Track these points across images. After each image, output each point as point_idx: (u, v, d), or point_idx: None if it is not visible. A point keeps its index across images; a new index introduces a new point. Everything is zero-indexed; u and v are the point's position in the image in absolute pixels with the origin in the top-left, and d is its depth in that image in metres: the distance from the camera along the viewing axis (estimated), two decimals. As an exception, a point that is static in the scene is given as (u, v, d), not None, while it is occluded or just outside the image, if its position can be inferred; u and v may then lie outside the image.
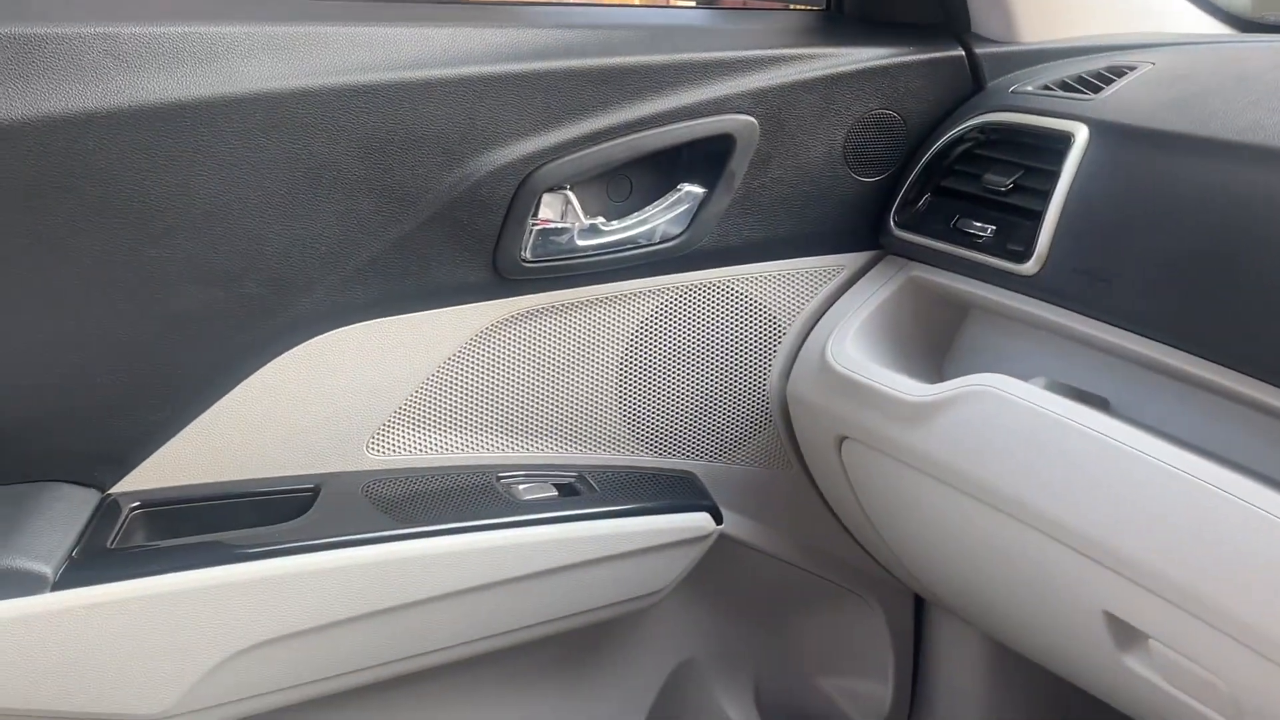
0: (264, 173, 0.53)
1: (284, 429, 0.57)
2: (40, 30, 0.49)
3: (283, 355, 0.56)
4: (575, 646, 0.67)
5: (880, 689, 0.73)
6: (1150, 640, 0.49)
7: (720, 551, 0.65)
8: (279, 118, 0.52)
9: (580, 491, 0.60)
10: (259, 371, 0.55)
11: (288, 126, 0.52)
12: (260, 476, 0.58)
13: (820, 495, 0.67)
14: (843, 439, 0.61)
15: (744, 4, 0.64)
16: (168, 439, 0.56)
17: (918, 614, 0.76)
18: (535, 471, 0.62)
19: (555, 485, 0.60)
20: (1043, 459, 0.51)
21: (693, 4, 0.67)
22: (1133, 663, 0.51)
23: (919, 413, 0.55)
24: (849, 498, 0.64)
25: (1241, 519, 0.42)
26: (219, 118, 0.51)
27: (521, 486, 0.59)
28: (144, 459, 0.56)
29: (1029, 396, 0.52)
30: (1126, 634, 0.50)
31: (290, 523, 0.55)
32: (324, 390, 0.57)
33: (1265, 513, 0.40)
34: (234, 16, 0.55)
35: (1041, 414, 0.50)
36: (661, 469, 0.65)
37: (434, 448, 0.61)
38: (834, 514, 0.68)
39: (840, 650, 0.77)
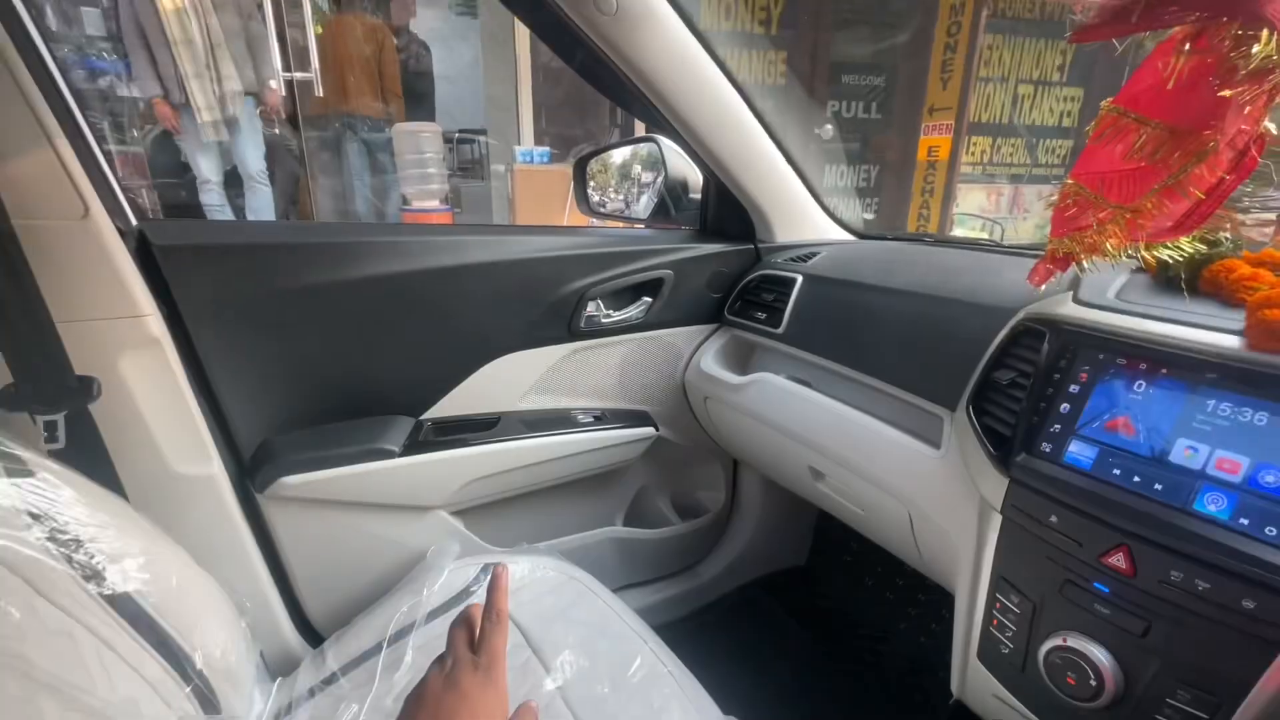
0: (479, 295, 0.93)
1: (485, 394, 0.98)
2: (392, 239, 0.89)
3: (485, 365, 0.97)
4: (598, 479, 1.11)
5: (719, 496, 1.27)
6: (826, 477, 0.88)
7: (657, 443, 1.14)
8: (486, 273, 0.92)
9: (603, 418, 1.05)
10: (476, 372, 0.97)
11: (489, 277, 0.93)
12: (477, 412, 0.99)
13: (697, 421, 1.17)
14: (706, 398, 1.09)
15: (666, 226, 1.05)
16: (441, 398, 0.96)
17: (735, 466, 1.27)
18: (586, 411, 1.06)
19: (594, 416, 1.05)
20: (784, 406, 0.92)
21: (644, 226, 1.08)
22: (820, 486, 0.91)
23: (737, 389, 0.99)
24: (709, 422, 1.14)
25: (860, 428, 0.80)
26: (462, 273, 0.91)
27: (580, 417, 1.04)
28: (434, 404, 0.96)
29: (780, 382, 0.94)
30: (817, 474, 0.90)
31: (488, 430, 0.95)
32: (500, 378, 0.98)
33: (868, 426, 0.79)
34: (468, 232, 0.96)
35: (785, 388, 0.93)
36: (634, 410, 1.13)
37: (545, 402, 1.04)
38: (702, 428, 1.18)
39: (701, 481, 1.30)
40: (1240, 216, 0.56)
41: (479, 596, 0.84)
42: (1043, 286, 0.59)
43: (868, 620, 1.27)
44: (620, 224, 1.24)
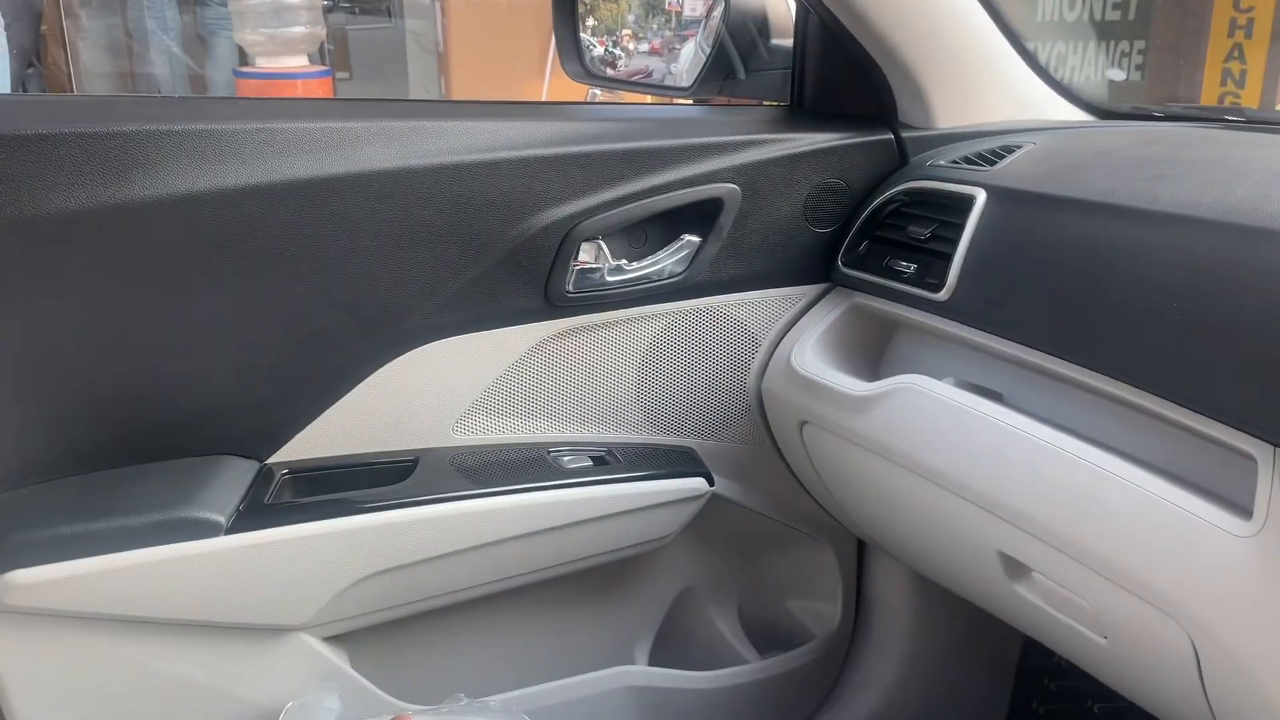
0: (378, 229, 0.66)
1: (391, 417, 0.70)
2: (216, 127, 0.63)
3: (390, 362, 0.69)
4: (605, 576, 0.80)
5: (831, 609, 0.87)
6: (1033, 573, 0.61)
7: (713, 507, 0.79)
8: (389, 189, 0.65)
9: (608, 462, 0.73)
10: (373, 374, 0.69)
11: (396, 195, 0.66)
12: (375, 451, 0.71)
13: (787, 465, 0.81)
14: (803, 423, 0.75)
15: (728, 101, 0.76)
16: (308, 423, 0.69)
17: (860, 553, 0.89)
18: (575, 447, 0.75)
19: (590, 457, 0.73)
20: (951, 437, 0.63)
21: (689, 102, 0.80)
22: (1021, 589, 0.63)
23: (860, 404, 0.68)
24: (808, 467, 0.78)
25: (1095, 479, 0.53)
26: (346, 189, 0.64)
27: (565, 459, 0.72)
28: (290, 438, 0.70)
29: (941, 392, 0.65)
30: (1015, 567, 0.62)
31: (397, 484, 0.68)
32: (420, 388, 0.70)
33: (1112, 474, 0.52)
34: (357, 114, 0.68)
35: (950, 404, 0.63)
36: (669, 445, 0.79)
37: (502, 430, 0.74)
38: (797, 479, 0.81)
39: (801, 580, 0.91)
40: None
41: None
42: None
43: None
44: (642, 97, 0.88)
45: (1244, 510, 0.47)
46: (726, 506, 0.81)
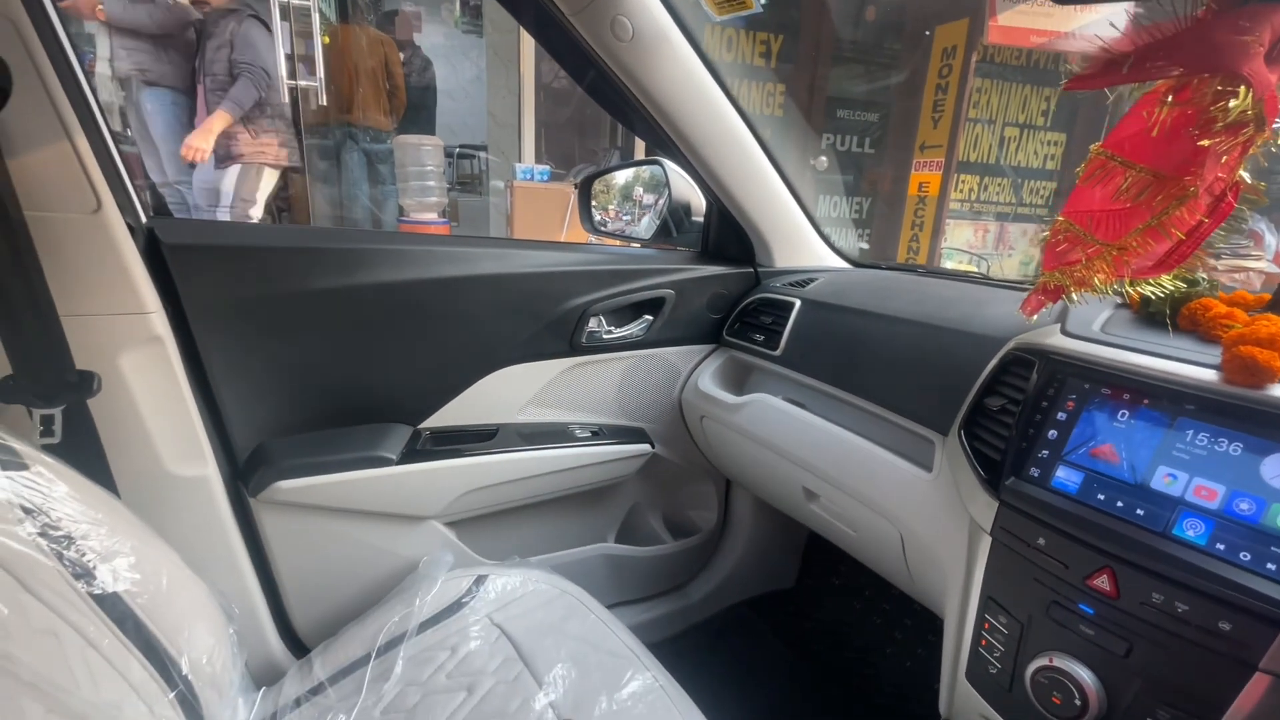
0: (482, 306, 0.93)
1: (484, 405, 0.98)
2: (398, 247, 0.87)
3: (485, 376, 0.98)
4: (592, 496, 1.14)
5: (711, 516, 1.28)
6: (820, 497, 0.90)
7: (652, 460, 1.15)
8: (488, 285, 0.92)
9: (600, 434, 1.07)
10: (477, 382, 0.97)
11: (491, 288, 0.93)
12: (475, 423, 0.99)
13: (693, 439, 1.18)
14: (703, 417, 1.10)
15: (669, 248, 1.08)
16: (441, 407, 0.96)
17: (727, 486, 1.28)
18: (583, 426, 1.07)
19: (591, 431, 1.07)
20: (779, 425, 0.93)
21: (644, 245, 1.11)
22: (813, 506, 0.92)
23: (732, 408, 1.00)
24: (704, 440, 1.15)
25: (852, 449, 0.81)
26: (466, 284, 0.90)
27: (578, 432, 1.05)
28: (432, 413, 0.96)
29: (775, 403, 0.95)
30: (810, 495, 0.91)
31: (488, 441, 0.96)
32: (500, 390, 0.99)
33: (860, 447, 0.80)
34: (472, 244, 0.95)
35: (779, 409, 0.93)
36: (631, 426, 1.13)
37: (544, 415, 1.04)
38: (698, 447, 1.19)
39: (697, 500, 1.31)
40: (1213, 261, 0.59)
41: (472, 609, 0.84)
42: (1034, 317, 0.62)
43: (855, 643, 1.27)
44: (621, 243, 1.25)
45: (927, 467, 0.71)
46: (660, 460, 1.18)
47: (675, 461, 1.21)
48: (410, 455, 0.90)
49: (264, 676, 0.81)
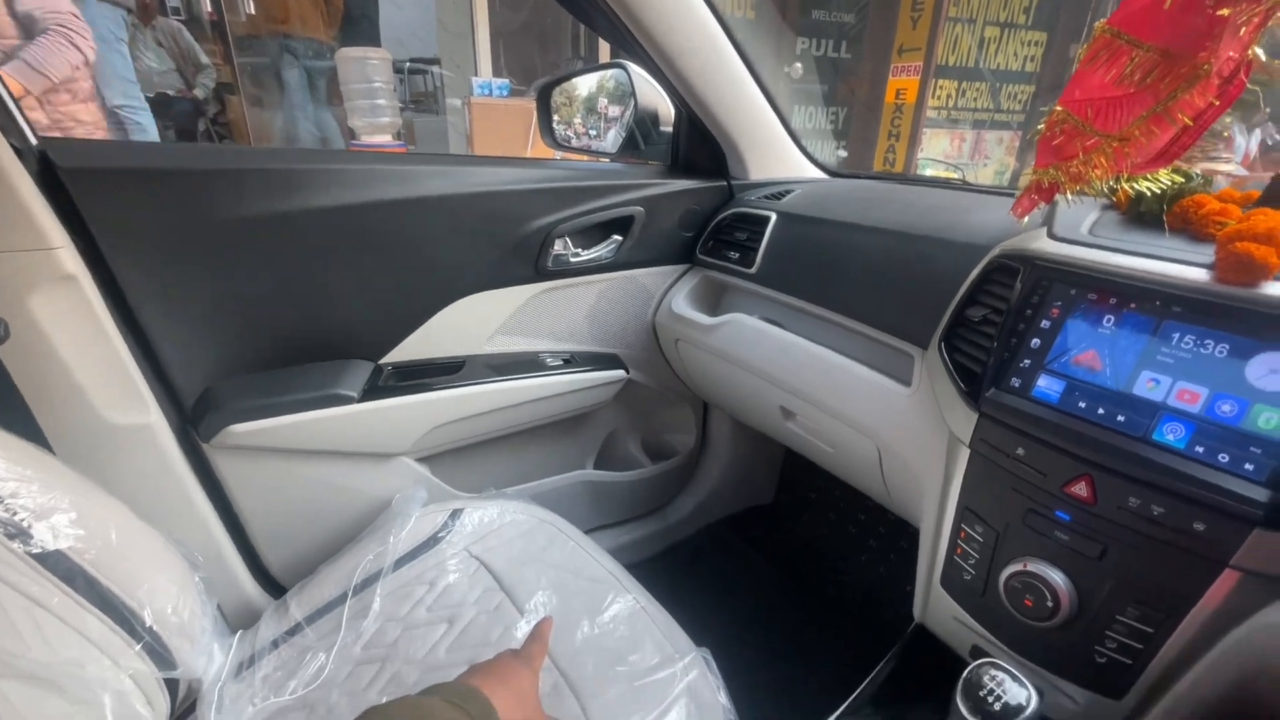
0: (438, 229, 0.86)
1: (449, 338, 0.93)
2: (341, 167, 0.79)
3: (447, 306, 0.92)
4: (570, 424, 1.13)
5: (690, 439, 1.29)
6: (797, 416, 0.88)
7: (628, 387, 1.13)
8: (444, 207, 0.85)
9: (572, 361, 1.03)
10: (439, 312, 0.91)
11: (447, 211, 0.86)
12: (441, 356, 0.94)
13: (669, 364, 1.16)
14: (678, 340, 1.07)
15: (636, 161, 1.01)
16: (402, 340, 0.91)
17: (705, 409, 1.28)
18: (555, 354, 1.03)
19: (562, 359, 1.03)
20: (755, 345, 0.90)
21: (610, 159, 1.03)
22: (791, 425, 0.91)
23: (707, 330, 0.97)
24: (680, 364, 1.13)
25: (830, 365, 0.79)
26: (417, 206, 0.83)
27: (549, 360, 1.01)
28: (393, 348, 0.91)
29: (751, 322, 0.92)
30: (787, 414, 0.90)
31: (455, 374, 0.91)
32: (466, 321, 0.93)
33: (838, 364, 0.78)
34: (422, 162, 0.85)
35: (755, 328, 0.91)
36: (605, 353, 1.10)
37: (515, 345, 1.00)
38: (674, 371, 1.17)
39: (675, 424, 1.31)
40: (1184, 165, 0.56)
41: (449, 543, 0.83)
42: (1024, 219, 0.58)
43: (830, 553, 1.32)
44: (587, 158, 1.17)
45: (906, 382, 0.70)
46: (635, 386, 1.17)
47: (652, 387, 1.19)
48: (373, 392, 0.86)
49: (242, 621, 0.80)
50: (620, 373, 1.10)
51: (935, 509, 0.67)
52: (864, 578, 1.25)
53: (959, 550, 0.63)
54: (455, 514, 0.87)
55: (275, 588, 0.92)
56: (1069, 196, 0.53)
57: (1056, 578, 0.54)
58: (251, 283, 0.80)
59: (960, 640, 0.67)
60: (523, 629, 0.70)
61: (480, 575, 0.78)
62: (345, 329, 0.88)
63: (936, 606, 0.68)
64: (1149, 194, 0.57)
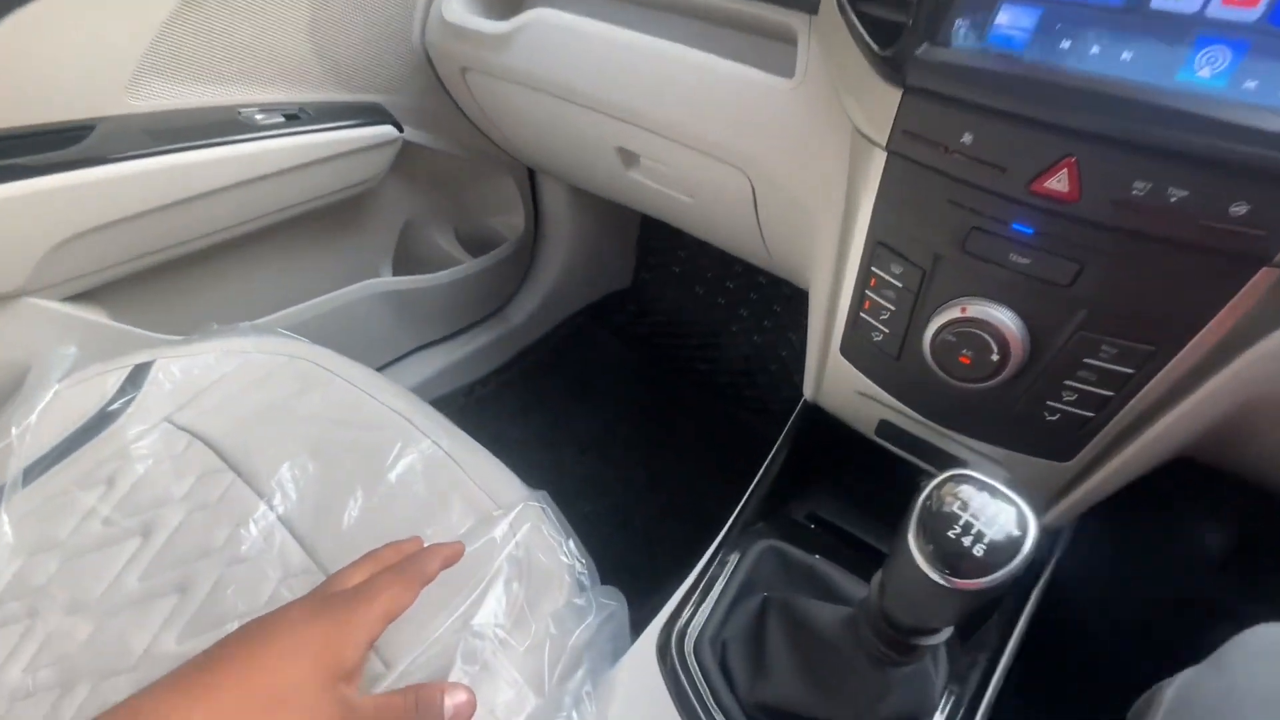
0: None
1: (43, 81, 0.57)
2: None
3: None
4: (336, 217, 0.82)
5: (519, 220, 1.05)
6: (641, 158, 0.68)
7: (413, 154, 0.83)
8: None
9: (300, 118, 0.71)
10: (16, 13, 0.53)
11: None
12: (37, 123, 0.58)
13: (462, 111, 0.85)
14: (464, 69, 0.77)
15: None
16: None
17: (532, 178, 1.02)
18: (265, 107, 0.70)
19: (284, 115, 0.70)
20: (578, 57, 0.65)
21: None
22: (634, 174, 0.71)
23: (501, 42, 0.69)
24: (476, 109, 0.82)
25: (681, 68, 0.57)
26: None
27: (258, 117, 0.69)
28: None
29: (566, 20, 0.66)
30: (628, 157, 0.69)
31: (77, 146, 0.58)
32: (73, 50, 0.57)
33: (694, 62, 0.56)
34: None
35: (574, 29, 0.64)
36: (359, 101, 0.78)
37: (186, 96, 0.66)
38: (472, 122, 0.86)
39: (495, 202, 1.05)
40: None
41: (134, 416, 0.55)
42: None
43: (699, 329, 1.19)
44: None
45: (788, 73, 0.52)
46: (424, 152, 0.86)
47: (445, 149, 0.87)
48: None
49: None
50: (387, 129, 0.78)
51: (832, 255, 0.49)
52: (737, 350, 1.14)
53: (867, 304, 0.46)
54: (141, 371, 0.57)
55: None
56: None
57: (1006, 320, 0.38)
58: None
59: (864, 417, 0.53)
60: (263, 518, 0.46)
61: (193, 453, 0.52)
62: None
63: (835, 381, 0.53)
64: None
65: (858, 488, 0.61)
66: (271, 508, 0.49)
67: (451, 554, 0.37)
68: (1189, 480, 0.46)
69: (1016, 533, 0.27)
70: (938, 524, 0.27)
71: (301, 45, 0.70)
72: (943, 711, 0.42)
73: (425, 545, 0.39)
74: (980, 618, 0.49)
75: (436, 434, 0.53)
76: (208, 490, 0.50)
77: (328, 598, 0.32)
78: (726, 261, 1.10)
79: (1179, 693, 0.28)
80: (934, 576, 0.26)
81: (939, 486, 0.28)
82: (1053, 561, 0.52)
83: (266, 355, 0.61)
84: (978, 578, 0.26)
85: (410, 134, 0.81)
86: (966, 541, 0.26)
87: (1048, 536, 0.50)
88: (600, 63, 0.64)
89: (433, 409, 0.58)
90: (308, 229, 0.80)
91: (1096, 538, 0.56)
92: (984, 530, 0.27)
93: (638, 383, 1.15)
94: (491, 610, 0.39)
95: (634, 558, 0.80)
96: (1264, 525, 0.65)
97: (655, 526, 0.87)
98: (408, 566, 0.35)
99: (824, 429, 0.58)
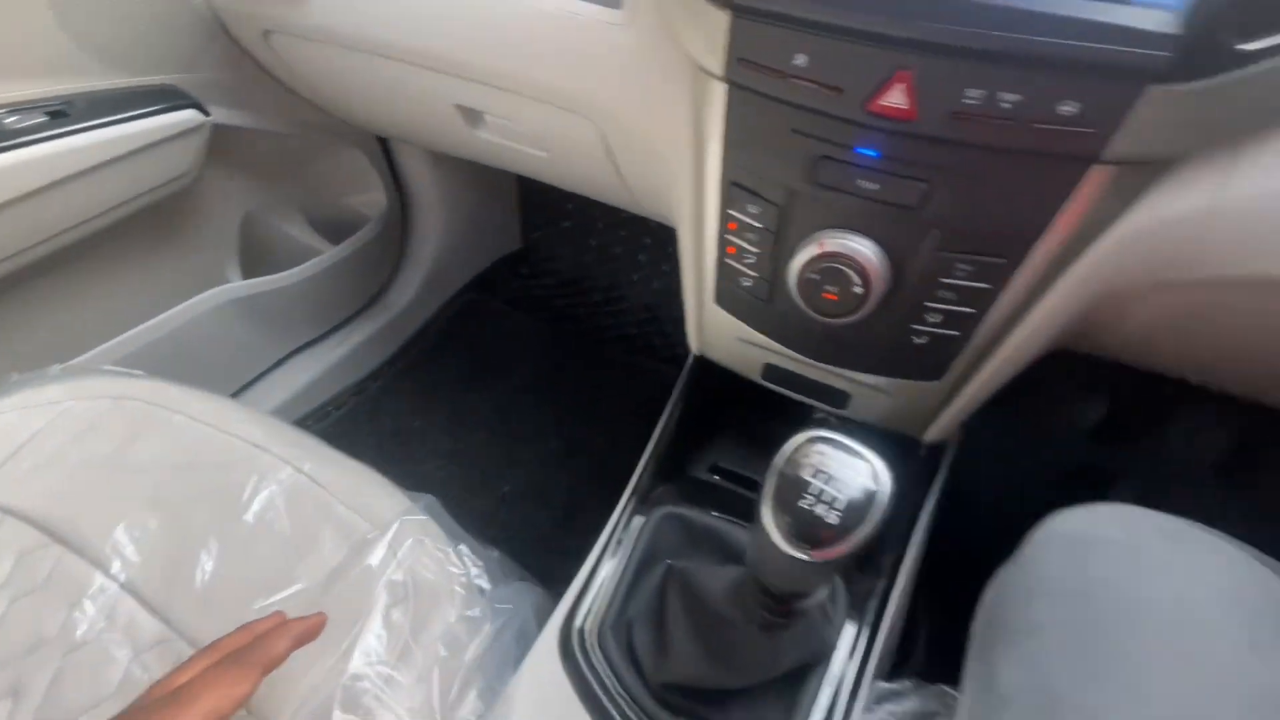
0: None
1: None
2: None
3: None
4: (155, 222, 0.72)
5: (380, 196, 0.95)
6: (485, 115, 0.63)
7: (235, 139, 0.73)
8: None
9: (69, 114, 0.60)
10: None
11: None
12: None
13: (278, 81, 0.75)
14: (267, 32, 0.67)
15: None
16: None
17: (386, 148, 0.92)
18: (16, 107, 0.59)
19: (46, 113, 0.59)
20: (386, 8, 0.56)
21: None
22: (482, 133, 0.65)
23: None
24: (294, 78, 0.72)
25: (498, 11, 0.51)
26: None
27: (9, 120, 0.57)
28: None
29: None
30: (471, 115, 0.64)
31: None
32: None
33: (509, 7, 0.50)
34: None
35: None
36: (145, 85, 0.67)
37: None
38: (293, 92, 0.76)
39: (349, 180, 0.96)
40: None
41: None
42: None
43: (599, 284, 1.15)
44: None
45: (615, 2, 0.47)
46: (246, 134, 0.76)
47: (269, 128, 0.77)
48: None
49: None
50: (189, 114, 0.67)
51: (690, 198, 0.46)
52: (638, 299, 1.11)
53: (730, 249, 0.44)
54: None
55: None
56: None
57: (864, 249, 0.37)
58: None
59: (749, 363, 0.52)
60: (104, 590, 0.41)
61: (6, 531, 0.45)
62: None
63: (715, 330, 0.51)
64: None
65: (759, 431, 0.61)
66: (111, 576, 0.43)
67: (305, 630, 0.34)
68: (1058, 364, 0.47)
69: (871, 487, 0.26)
70: (791, 494, 0.26)
71: (49, 22, 0.58)
72: (845, 643, 0.44)
73: (285, 616, 0.35)
74: (872, 547, 0.51)
75: (297, 458, 0.48)
76: (31, 572, 0.44)
77: (145, 708, 0.28)
78: (616, 209, 1.06)
79: (992, 591, 0.29)
80: (794, 553, 0.25)
81: (793, 453, 0.27)
82: (942, 473, 0.54)
83: (86, 402, 0.53)
84: (836, 545, 0.25)
85: (220, 115, 0.71)
86: (820, 510, 0.25)
87: (933, 451, 0.52)
88: (413, 12, 0.56)
89: (294, 429, 0.52)
90: (119, 243, 0.70)
91: (982, 437, 0.59)
92: (836, 494, 0.26)
93: (541, 350, 1.10)
94: (370, 648, 0.36)
95: (556, 533, 0.78)
96: (1129, 394, 0.71)
97: (577, 496, 0.86)
98: (247, 654, 0.31)
99: (717, 379, 0.57)
